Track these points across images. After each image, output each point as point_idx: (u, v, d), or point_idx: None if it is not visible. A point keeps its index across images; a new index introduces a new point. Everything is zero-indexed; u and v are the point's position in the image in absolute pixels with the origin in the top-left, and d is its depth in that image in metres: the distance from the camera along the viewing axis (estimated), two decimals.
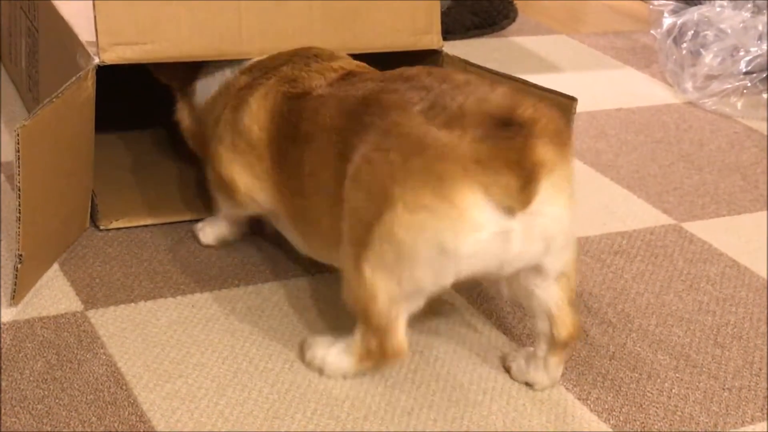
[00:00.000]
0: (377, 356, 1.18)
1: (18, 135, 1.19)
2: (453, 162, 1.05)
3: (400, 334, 1.17)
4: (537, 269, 1.15)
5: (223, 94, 1.38)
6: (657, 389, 1.28)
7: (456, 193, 1.04)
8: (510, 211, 1.07)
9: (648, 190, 1.80)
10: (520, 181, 1.05)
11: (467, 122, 1.06)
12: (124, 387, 1.18)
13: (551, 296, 1.18)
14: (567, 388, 1.26)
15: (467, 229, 1.06)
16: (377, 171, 1.09)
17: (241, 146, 1.30)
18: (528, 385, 1.25)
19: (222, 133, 1.34)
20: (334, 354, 1.22)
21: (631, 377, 1.30)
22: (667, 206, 1.75)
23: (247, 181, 1.30)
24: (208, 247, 1.45)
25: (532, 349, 1.24)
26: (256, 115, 1.29)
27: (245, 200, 1.33)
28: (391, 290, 1.12)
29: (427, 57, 1.56)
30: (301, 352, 1.25)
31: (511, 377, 1.26)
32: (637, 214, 1.72)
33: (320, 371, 1.23)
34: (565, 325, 1.19)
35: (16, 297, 1.28)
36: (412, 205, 1.06)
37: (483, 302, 1.41)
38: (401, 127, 1.09)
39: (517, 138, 1.06)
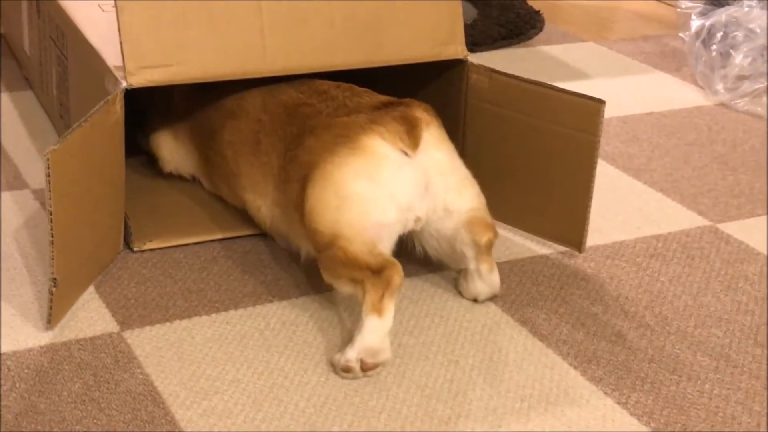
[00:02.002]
0: (387, 288, 1.25)
1: (48, 160, 1.20)
2: (354, 127, 1.34)
3: (386, 254, 1.28)
4: (447, 212, 1.36)
5: None
6: (697, 390, 1.26)
7: (362, 142, 1.32)
8: (405, 153, 1.33)
9: (682, 192, 1.79)
10: (405, 127, 1.34)
11: (363, 111, 1.38)
12: (161, 405, 1.18)
13: (464, 222, 1.37)
14: (606, 393, 1.25)
15: (382, 162, 1.32)
16: (299, 161, 1.36)
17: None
18: (475, 299, 1.41)
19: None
20: (358, 334, 1.25)
21: (670, 379, 1.28)
22: (702, 208, 1.73)
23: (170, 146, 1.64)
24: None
25: (465, 268, 1.40)
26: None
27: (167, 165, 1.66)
28: (349, 219, 1.29)
29: (453, 66, 1.56)
30: (336, 367, 1.25)
31: (465, 297, 1.42)
32: (672, 216, 1.70)
33: (363, 363, 1.23)
34: (483, 230, 1.37)
35: (51, 321, 1.29)
36: (332, 157, 1.32)
37: (517, 310, 1.40)
38: (314, 126, 1.38)
39: (399, 107, 1.38)
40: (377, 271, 1.25)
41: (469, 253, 1.38)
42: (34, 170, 1.70)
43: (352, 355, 1.24)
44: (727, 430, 1.20)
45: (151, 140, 1.66)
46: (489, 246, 1.37)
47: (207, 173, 1.61)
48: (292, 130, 1.41)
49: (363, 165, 1.31)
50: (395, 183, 1.32)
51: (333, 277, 1.31)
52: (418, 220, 1.35)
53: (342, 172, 1.31)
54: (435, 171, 1.35)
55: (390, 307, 1.25)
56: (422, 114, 1.37)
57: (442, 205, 1.36)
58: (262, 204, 1.46)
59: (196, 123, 1.59)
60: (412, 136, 1.34)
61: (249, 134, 1.48)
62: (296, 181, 1.36)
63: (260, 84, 1.49)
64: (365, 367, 1.24)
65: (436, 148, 1.36)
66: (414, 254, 1.44)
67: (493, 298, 1.42)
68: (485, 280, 1.39)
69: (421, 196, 1.33)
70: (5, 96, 1.99)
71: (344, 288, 1.29)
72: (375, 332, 1.24)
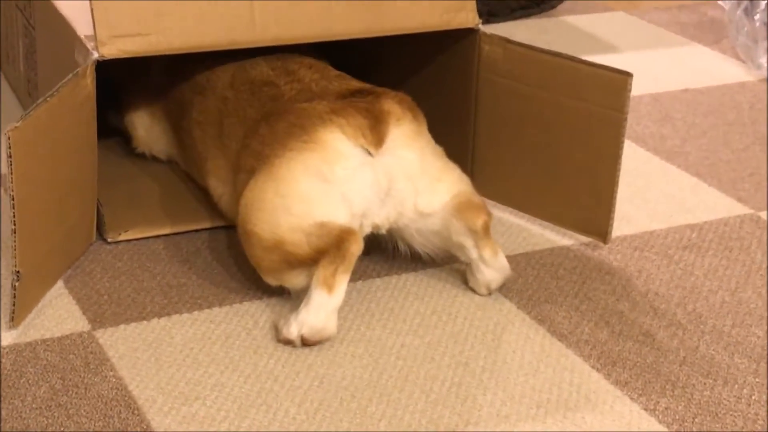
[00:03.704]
0: (342, 263, 1.27)
1: (9, 139, 1.19)
2: (312, 116, 1.32)
3: (338, 223, 1.28)
4: (422, 214, 1.36)
5: None
6: (734, 396, 1.26)
7: (318, 135, 1.30)
8: (367, 151, 1.31)
9: (720, 177, 1.78)
10: (370, 121, 1.32)
11: (327, 97, 1.36)
12: (135, 412, 1.18)
13: (452, 211, 1.36)
14: (632, 398, 1.24)
15: (336, 158, 1.30)
16: (251, 150, 1.36)
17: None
18: (488, 290, 1.40)
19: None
20: (304, 306, 1.28)
21: (704, 383, 1.27)
22: (742, 194, 1.72)
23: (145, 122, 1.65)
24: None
25: (468, 260, 1.40)
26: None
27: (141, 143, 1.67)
28: (289, 222, 1.28)
29: (463, 36, 1.55)
30: (278, 334, 1.30)
31: (478, 293, 1.41)
32: (708, 204, 1.69)
33: (304, 339, 1.28)
34: (475, 214, 1.36)
35: (15, 318, 1.28)
36: (282, 151, 1.31)
37: (534, 307, 1.40)
38: (270, 111, 1.37)
39: (367, 96, 1.36)
40: (334, 247, 1.27)
41: (467, 242, 1.37)
42: None
43: (294, 330, 1.28)
44: None
45: (125, 118, 1.65)
46: (486, 229, 1.37)
47: (181, 155, 1.62)
48: (251, 113, 1.41)
49: (315, 161, 1.29)
50: (350, 185, 1.30)
51: (281, 280, 1.33)
52: (375, 226, 1.35)
53: (290, 168, 1.30)
54: (401, 174, 1.34)
55: (342, 282, 1.28)
56: (392, 107, 1.35)
57: (411, 209, 1.35)
58: (224, 192, 1.46)
59: (172, 99, 1.59)
60: (376, 132, 1.32)
61: (214, 113, 1.48)
62: (246, 172, 1.36)
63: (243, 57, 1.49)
64: (306, 343, 1.29)
65: (405, 146, 1.34)
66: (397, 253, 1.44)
67: (506, 284, 1.41)
68: (492, 265, 1.39)
69: (381, 201, 1.33)
70: None
71: (296, 282, 1.32)
72: (321, 309, 1.27)
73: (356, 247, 1.28)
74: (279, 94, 1.41)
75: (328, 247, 1.27)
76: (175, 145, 1.63)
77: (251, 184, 1.32)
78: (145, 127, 1.65)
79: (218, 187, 1.47)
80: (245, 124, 1.41)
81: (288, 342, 1.29)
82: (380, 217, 1.35)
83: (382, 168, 1.32)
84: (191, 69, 1.53)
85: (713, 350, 1.34)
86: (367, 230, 1.35)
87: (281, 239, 1.29)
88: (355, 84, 1.42)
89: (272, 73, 1.45)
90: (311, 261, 1.28)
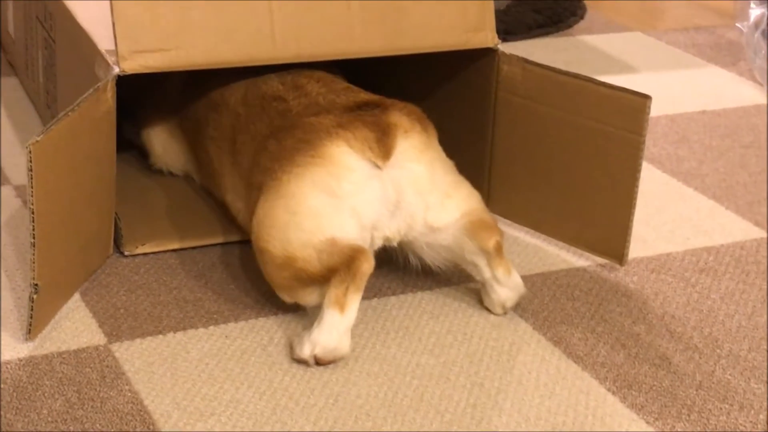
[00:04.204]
0: (353, 281, 1.27)
1: (30, 152, 1.20)
2: (318, 131, 1.33)
3: (348, 242, 1.29)
4: (432, 229, 1.36)
5: None
6: (750, 421, 1.25)
7: (324, 149, 1.31)
8: (374, 164, 1.32)
9: (737, 200, 1.78)
10: (377, 134, 1.32)
11: (334, 111, 1.37)
12: (151, 426, 1.18)
13: (463, 230, 1.37)
14: (648, 422, 1.24)
15: (342, 171, 1.30)
16: (261, 167, 1.37)
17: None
18: (503, 309, 1.40)
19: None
20: (316, 326, 1.28)
21: (720, 409, 1.27)
22: (759, 218, 1.72)
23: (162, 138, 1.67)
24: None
25: (479, 278, 1.40)
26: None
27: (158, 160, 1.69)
28: (300, 238, 1.29)
29: (482, 56, 1.56)
30: (292, 353, 1.30)
31: (494, 313, 1.41)
32: (725, 227, 1.69)
33: (318, 359, 1.28)
34: (487, 234, 1.37)
35: (32, 331, 1.29)
36: (290, 167, 1.31)
37: (550, 328, 1.40)
38: (279, 127, 1.38)
39: (374, 110, 1.36)
40: (345, 265, 1.27)
41: (480, 261, 1.38)
42: (16, 164, 1.71)
43: (307, 349, 1.28)
44: None
45: (143, 133, 1.66)
46: (498, 248, 1.37)
47: (198, 171, 1.63)
48: (261, 129, 1.42)
49: (322, 176, 1.30)
50: (358, 198, 1.31)
51: (295, 297, 1.33)
52: (387, 239, 1.35)
53: (298, 184, 1.30)
54: (411, 188, 1.34)
55: (354, 301, 1.28)
56: (400, 119, 1.35)
57: (421, 222, 1.35)
58: (242, 208, 1.47)
59: (188, 116, 1.60)
60: (383, 145, 1.32)
61: (228, 130, 1.49)
62: (257, 189, 1.36)
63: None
64: (320, 362, 1.29)
65: (413, 158, 1.34)
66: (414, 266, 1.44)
67: (521, 305, 1.42)
68: (506, 284, 1.39)
69: (391, 213, 1.33)
70: None
71: (310, 300, 1.32)
72: (334, 329, 1.28)
73: (367, 266, 1.28)
74: (287, 109, 1.42)
75: (339, 266, 1.27)
76: (192, 162, 1.63)
77: (262, 202, 1.33)
78: (163, 145, 1.66)
79: (236, 202, 1.48)
80: (255, 140, 1.42)
81: (301, 361, 1.29)
82: (391, 230, 1.35)
83: (390, 180, 1.33)
84: (206, 85, 1.54)
85: (729, 375, 1.33)
86: (379, 243, 1.35)
87: (292, 256, 1.29)
88: (363, 96, 1.42)
89: (282, 87, 1.46)
90: (323, 279, 1.29)
